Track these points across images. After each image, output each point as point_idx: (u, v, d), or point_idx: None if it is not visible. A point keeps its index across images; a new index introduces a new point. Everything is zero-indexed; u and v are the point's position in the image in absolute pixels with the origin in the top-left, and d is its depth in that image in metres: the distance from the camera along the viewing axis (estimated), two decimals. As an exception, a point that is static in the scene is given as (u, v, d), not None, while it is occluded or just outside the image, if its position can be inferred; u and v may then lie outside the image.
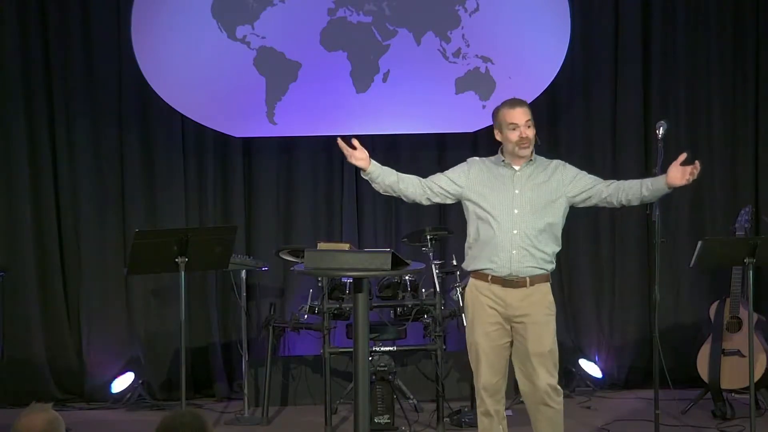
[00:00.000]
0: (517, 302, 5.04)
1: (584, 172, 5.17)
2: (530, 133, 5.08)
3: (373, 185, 5.13)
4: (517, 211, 5.03)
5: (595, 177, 5.17)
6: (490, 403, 5.08)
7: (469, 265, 5.16)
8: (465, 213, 5.18)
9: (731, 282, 6.71)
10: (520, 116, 5.07)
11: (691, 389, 6.89)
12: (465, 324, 5.18)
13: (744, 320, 6.67)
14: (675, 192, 7.29)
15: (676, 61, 7.44)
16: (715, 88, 7.47)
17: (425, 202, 5.22)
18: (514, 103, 5.14)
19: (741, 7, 7.45)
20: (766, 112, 7.45)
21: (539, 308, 5.06)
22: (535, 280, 5.06)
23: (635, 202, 5.19)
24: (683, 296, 7.46)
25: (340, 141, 5.06)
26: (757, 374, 6.53)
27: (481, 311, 5.07)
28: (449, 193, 5.14)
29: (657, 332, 5.73)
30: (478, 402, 5.14)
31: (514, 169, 5.10)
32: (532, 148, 5.10)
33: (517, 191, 5.06)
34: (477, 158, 5.23)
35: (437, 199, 5.18)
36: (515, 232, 5.01)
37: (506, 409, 6.43)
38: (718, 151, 7.48)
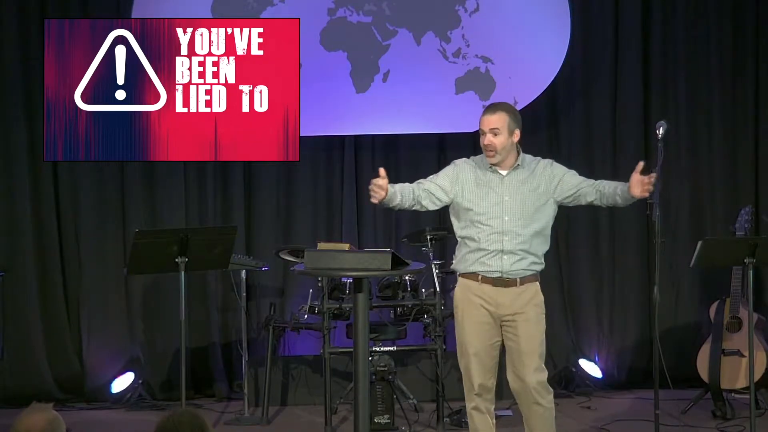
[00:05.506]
0: (508, 301, 5.03)
1: (572, 172, 5.11)
2: (496, 141, 5.00)
3: (397, 208, 5.08)
4: (507, 217, 5.00)
5: (583, 178, 5.09)
6: (481, 402, 5.07)
7: (459, 267, 5.14)
8: (453, 215, 5.14)
9: (731, 282, 6.71)
10: (486, 123, 5.03)
11: (691, 389, 6.89)
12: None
13: (744, 320, 6.67)
14: (675, 192, 7.40)
15: (676, 61, 7.43)
16: (715, 87, 7.46)
17: (422, 210, 5.17)
18: (487, 108, 5.10)
19: (740, 7, 7.44)
20: (766, 112, 7.44)
21: (531, 306, 5.05)
22: (525, 280, 5.05)
23: (612, 205, 5.11)
24: (683, 296, 7.46)
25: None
26: (757, 374, 6.53)
27: (472, 311, 5.05)
28: (439, 199, 5.09)
29: (657, 332, 5.73)
30: (467, 400, 5.12)
31: (501, 174, 5.06)
32: (499, 157, 5.02)
33: (506, 198, 5.02)
34: (463, 160, 5.18)
35: (432, 207, 5.13)
36: (506, 238, 5.00)
37: (506, 408, 6.47)
38: (718, 151, 7.47)
